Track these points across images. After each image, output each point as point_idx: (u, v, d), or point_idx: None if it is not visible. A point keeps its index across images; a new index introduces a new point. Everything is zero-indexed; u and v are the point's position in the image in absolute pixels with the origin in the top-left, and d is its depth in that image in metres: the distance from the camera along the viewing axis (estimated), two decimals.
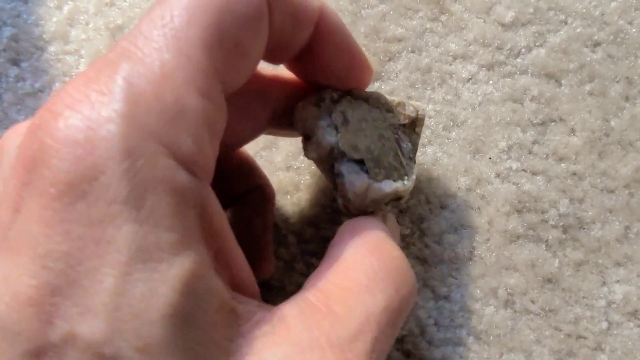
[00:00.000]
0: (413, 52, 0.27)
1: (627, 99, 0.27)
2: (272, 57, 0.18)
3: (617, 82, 0.27)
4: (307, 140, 0.20)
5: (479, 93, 0.27)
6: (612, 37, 0.28)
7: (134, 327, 0.12)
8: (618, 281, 0.24)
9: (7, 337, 0.12)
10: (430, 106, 0.26)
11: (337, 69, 0.19)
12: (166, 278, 0.12)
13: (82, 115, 0.12)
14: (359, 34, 0.27)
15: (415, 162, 0.21)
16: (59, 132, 0.12)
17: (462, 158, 0.26)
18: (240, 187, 0.22)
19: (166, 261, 0.12)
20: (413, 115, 0.21)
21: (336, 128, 0.19)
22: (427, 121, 0.26)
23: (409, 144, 0.20)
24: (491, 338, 0.23)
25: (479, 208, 0.25)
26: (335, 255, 0.17)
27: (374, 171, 0.19)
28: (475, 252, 0.24)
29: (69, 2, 0.27)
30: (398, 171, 0.19)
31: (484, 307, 0.23)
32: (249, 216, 0.22)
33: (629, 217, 0.25)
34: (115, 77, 0.13)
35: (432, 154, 0.26)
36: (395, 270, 0.16)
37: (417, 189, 0.25)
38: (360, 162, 0.19)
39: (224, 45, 0.14)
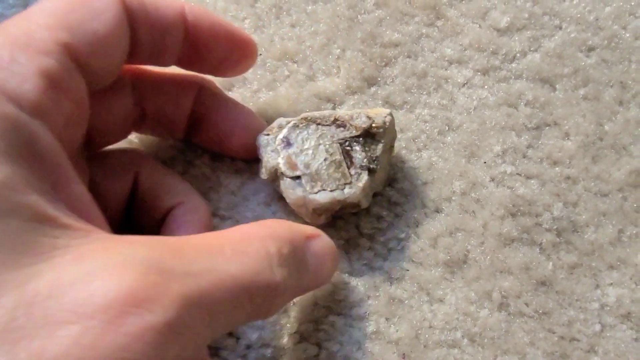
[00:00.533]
0: (409, 57, 0.28)
1: (620, 103, 0.27)
2: (156, 59, 0.21)
3: (611, 86, 0.27)
4: (260, 164, 0.23)
5: (474, 98, 0.27)
6: (606, 42, 0.28)
7: None
8: (611, 284, 0.24)
9: None
10: (426, 111, 0.27)
11: (222, 53, 0.22)
12: None
13: None
14: (356, 39, 0.28)
15: (372, 169, 0.23)
16: None
17: (457, 162, 0.26)
18: (161, 206, 0.22)
19: None
20: (365, 125, 0.23)
21: (279, 152, 0.23)
22: (422, 126, 0.26)
23: (364, 154, 0.23)
24: (485, 340, 0.23)
25: (473, 212, 0.25)
26: (229, 229, 0.18)
27: (310, 184, 0.22)
28: (470, 255, 0.24)
29: None
30: (339, 181, 0.22)
31: (478, 310, 0.24)
32: (173, 230, 0.22)
33: (622, 221, 0.25)
34: None
35: (427, 158, 0.26)
36: (262, 261, 0.17)
37: (412, 193, 0.25)
38: (298, 178, 0.22)
39: (77, 29, 0.17)
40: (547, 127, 0.27)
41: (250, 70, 0.25)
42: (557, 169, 0.26)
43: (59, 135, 0.16)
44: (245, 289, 0.16)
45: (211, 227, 0.23)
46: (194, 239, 0.17)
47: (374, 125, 0.23)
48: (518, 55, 0.28)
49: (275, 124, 0.23)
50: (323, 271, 0.20)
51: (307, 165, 0.22)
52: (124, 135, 0.23)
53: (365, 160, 0.23)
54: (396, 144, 0.26)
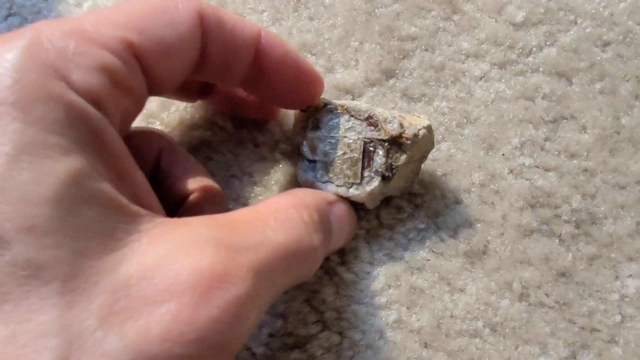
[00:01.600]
0: (426, 50, 0.28)
1: (637, 97, 0.27)
2: (223, 78, 0.21)
3: (627, 81, 0.27)
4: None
5: (491, 91, 0.27)
6: (621, 37, 0.28)
7: (20, 208, 0.13)
8: (630, 275, 0.24)
9: None
10: (444, 103, 0.27)
11: (288, 84, 0.21)
12: (53, 170, 0.13)
13: None
14: (374, 33, 0.28)
15: (387, 176, 0.22)
16: None
17: (476, 154, 0.26)
18: (180, 191, 0.22)
19: (54, 158, 0.14)
20: (394, 133, 0.22)
21: (306, 131, 0.23)
22: (441, 118, 0.27)
23: (384, 159, 0.22)
24: (507, 330, 0.23)
25: (492, 203, 0.25)
26: (261, 202, 0.19)
27: (320, 172, 0.22)
28: (490, 246, 0.24)
29: (89, 0, 0.28)
30: (348, 179, 0.22)
31: (499, 300, 0.24)
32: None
33: None
34: (31, 26, 0.15)
35: (446, 150, 0.26)
36: (301, 228, 0.18)
37: (432, 184, 0.25)
38: (314, 162, 0.22)
39: (147, 33, 0.17)
40: (564, 121, 0.27)
41: None
42: (574, 161, 0.26)
43: (119, 128, 0.17)
44: (294, 255, 0.17)
45: None
46: (238, 215, 0.18)
47: (404, 135, 0.22)
48: (534, 49, 0.28)
49: (314, 103, 0.23)
50: (344, 233, 0.22)
51: (325, 154, 0.22)
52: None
53: (383, 166, 0.22)
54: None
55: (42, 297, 0.13)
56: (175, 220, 0.16)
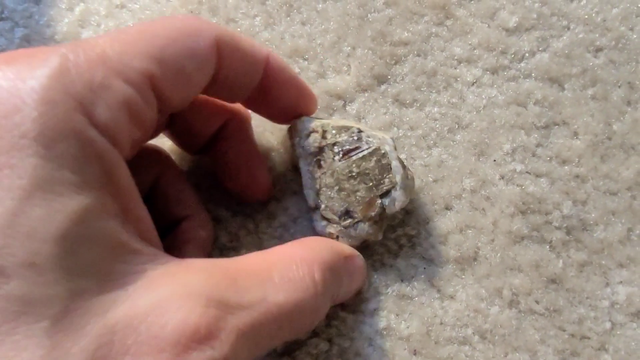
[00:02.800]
0: (419, 55, 0.28)
1: (629, 103, 0.27)
2: (229, 96, 0.21)
3: (619, 86, 0.27)
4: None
5: (483, 96, 0.27)
6: (613, 42, 0.28)
7: (24, 244, 0.13)
8: (621, 282, 0.24)
9: None
10: (436, 109, 0.27)
11: (287, 103, 0.23)
12: (64, 208, 0.14)
13: (15, 69, 0.14)
14: (366, 38, 0.28)
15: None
16: None
17: (467, 160, 0.26)
18: (171, 214, 0.22)
19: (66, 196, 0.14)
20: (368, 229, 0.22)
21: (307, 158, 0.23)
22: (432, 124, 0.27)
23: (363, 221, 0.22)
24: (496, 337, 0.23)
25: (483, 209, 0.25)
26: (276, 250, 0.19)
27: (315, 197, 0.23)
28: (480, 252, 0.24)
29: (81, 4, 0.28)
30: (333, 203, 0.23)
31: (489, 307, 0.23)
32: (179, 242, 0.22)
33: (631, 219, 0.25)
34: (57, 50, 0.15)
35: (437, 155, 0.26)
36: (308, 290, 0.18)
37: (422, 190, 0.25)
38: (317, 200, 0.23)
39: (167, 64, 0.17)
40: (556, 126, 0.27)
41: None
42: (566, 167, 0.26)
43: (128, 159, 0.17)
44: (289, 317, 0.17)
45: (211, 247, 0.24)
46: (244, 262, 0.18)
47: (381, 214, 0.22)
48: (527, 55, 0.28)
49: (321, 123, 0.23)
50: (352, 289, 0.22)
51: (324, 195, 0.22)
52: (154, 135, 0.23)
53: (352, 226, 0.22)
54: (406, 141, 0.26)
55: (29, 335, 0.13)
56: (176, 262, 0.16)
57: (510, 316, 0.23)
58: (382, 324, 0.23)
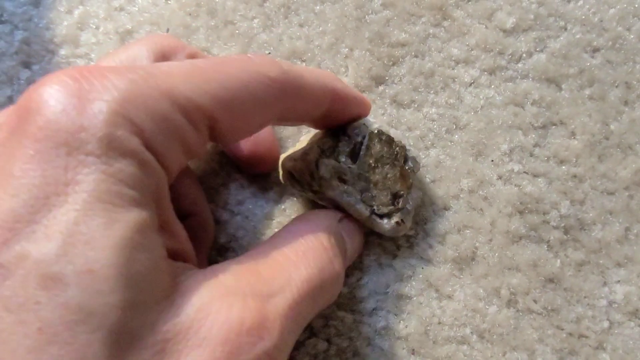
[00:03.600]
0: (416, 56, 0.28)
1: (626, 103, 0.27)
2: (292, 122, 0.21)
3: (616, 86, 0.27)
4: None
5: (481, 97, 0.27)
6: (610, 43, 0.28)
7: (84, 251, 0.13)
8: (619, 281, 0.24)
9: None
10: (434, 109, 0.27)
11: (346, 118, 0.22)
12: (123, 218, 0.14)
13: (83, 89, 0.15)
14: (364, 39, 0.28)
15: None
16: (58, 94, 0.15)
17: (465, 160, 0.26)
18: (179, 211, 0.23)
19: (125, 208, 0.14)
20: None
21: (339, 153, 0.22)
22: (430, 124, 0.27)
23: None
24: (494, 337, 0.23)
25: (481, 209, 0.25)
26: (279, 234, 0.20)
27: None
28: (478, 252, 0.24)
29: (80, 7, 0.28)
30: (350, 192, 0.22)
31: (487, 307, 0.24)
32: None
33: (628, 219, 0.25)
34: (129, 73, 0.16)
35: (435, 156, 0.26)
36: (322, 256, 0.19)
37: (421, 190, 0.25)
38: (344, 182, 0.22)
39: (232, 110, 0.17)
40: (554, 127, 0.27)
41: None
42: (563, 167, 0.26)
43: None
44: (319, 287, 0.18)
45: (209, 249, 0.24)
46: (259, 256, 0.18)
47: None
48: (524, 55, 0.28)
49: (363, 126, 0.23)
50: (356, 246, 0.22)
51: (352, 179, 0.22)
52: None
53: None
54: (404, 142, 0.26)
55: (86, 344, 0.13)
56: (202, 271, 0.17)
57: (508, 315, 0.23)
58: (381, 323, 0.23)
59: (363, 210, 0.22)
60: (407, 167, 0.23)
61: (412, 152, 0.24)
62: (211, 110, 0.17)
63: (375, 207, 0.22)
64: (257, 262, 0.18)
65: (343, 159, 0.22)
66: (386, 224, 0.22)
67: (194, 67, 0.17)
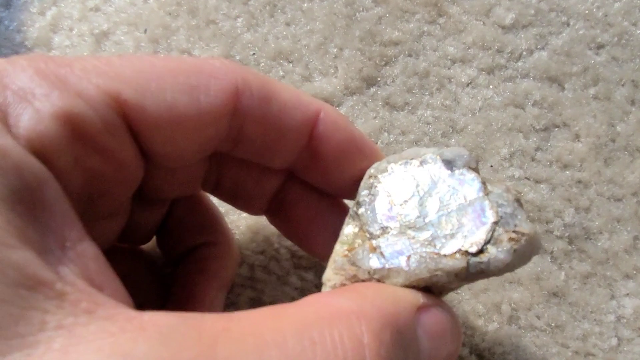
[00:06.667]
0: (410, 56, 0.26)
1: (633, 102, 0.26)
2: (262, 158, 0.18)
3: (623, 85, 0.26)
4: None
5: (479, 98, 0.26)
6: (616, 38, 0.27)
7: None
8: (627, 294, 0.23)
9: None
10: (429, 112, 0.25)
11: (347, 175, 0.18)
12: None
13: None
14: (354, 38, 0.26)
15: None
16: None
17: None
18: (187, 241, 0.20)
19: None
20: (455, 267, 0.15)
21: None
22: (425, 128, 0.25)
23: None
24: (495, 356, 0.22)
25: None
26: (295, 303, 0.13)
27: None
28: None
29: (52, 7, 0.26)
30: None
31: (487, 324, 0.22)
32: (191, 271, 0.20)
33: (637, 227, 0.24)
34: (29, 56, 0.14)
35: None
36: (341, 356, 0.11)
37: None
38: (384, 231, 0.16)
39: (151, 93, 0.15)
40: (556, 129, 0.25)
41: None
42: (567, 172, 0.25)
43: (79, 189, 0.14)
44: None
45: (232, 280, 0.21)
46: (243, 319, 0.12)
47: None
48: (524, 53, 0.26)
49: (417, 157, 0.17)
50: (441, 354, 0.14)
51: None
52: (191, 191, 0.20)
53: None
54: (397, 147, 0.25)
55: None
56: (126, 317, 0.11)
57: (509, 333, 0.22)
58: None
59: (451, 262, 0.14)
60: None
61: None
62: (111, 87, 0.14)
63: (462, 245, 0.15)
64: (225, 328, 0.11)
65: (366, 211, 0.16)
66: (499, 252, 0.15)
67: (109, 57, 0.15)
